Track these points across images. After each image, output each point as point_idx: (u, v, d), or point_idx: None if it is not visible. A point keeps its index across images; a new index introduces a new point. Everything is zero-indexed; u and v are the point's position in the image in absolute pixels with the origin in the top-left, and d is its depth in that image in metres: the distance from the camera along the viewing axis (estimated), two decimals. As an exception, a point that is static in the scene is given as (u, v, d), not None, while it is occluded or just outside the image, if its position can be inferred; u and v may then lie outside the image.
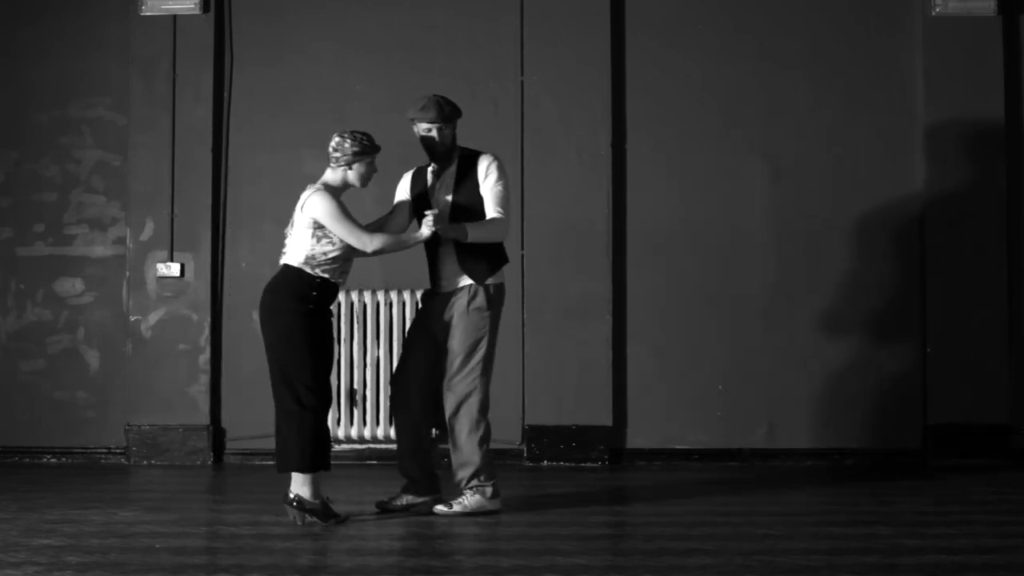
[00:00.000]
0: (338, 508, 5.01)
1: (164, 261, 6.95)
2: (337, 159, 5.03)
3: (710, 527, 4.82)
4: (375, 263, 6.93)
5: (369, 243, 4.94)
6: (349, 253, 5.00)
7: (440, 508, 5.10)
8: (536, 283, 6.85)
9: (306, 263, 4.93)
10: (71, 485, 6.06)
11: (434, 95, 5.18)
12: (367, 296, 6.78)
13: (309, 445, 4.91)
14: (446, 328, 5.14)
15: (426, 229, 5.00)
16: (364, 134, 5.07)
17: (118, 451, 7.03)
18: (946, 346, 6.79)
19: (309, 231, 4.93)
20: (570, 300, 6.83)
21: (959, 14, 6.85)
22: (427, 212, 5.01)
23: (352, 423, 6.74)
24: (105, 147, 7.12)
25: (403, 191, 5.35)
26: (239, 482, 6.33)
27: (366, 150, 5.03)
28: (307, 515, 4.88)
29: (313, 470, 4.93)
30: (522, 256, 6.86)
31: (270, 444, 6.86)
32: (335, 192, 5.00)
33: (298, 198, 5.12)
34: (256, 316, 6.87)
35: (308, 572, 4.04)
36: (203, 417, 6.90)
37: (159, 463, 6.87)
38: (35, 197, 7.13)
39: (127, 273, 7.01)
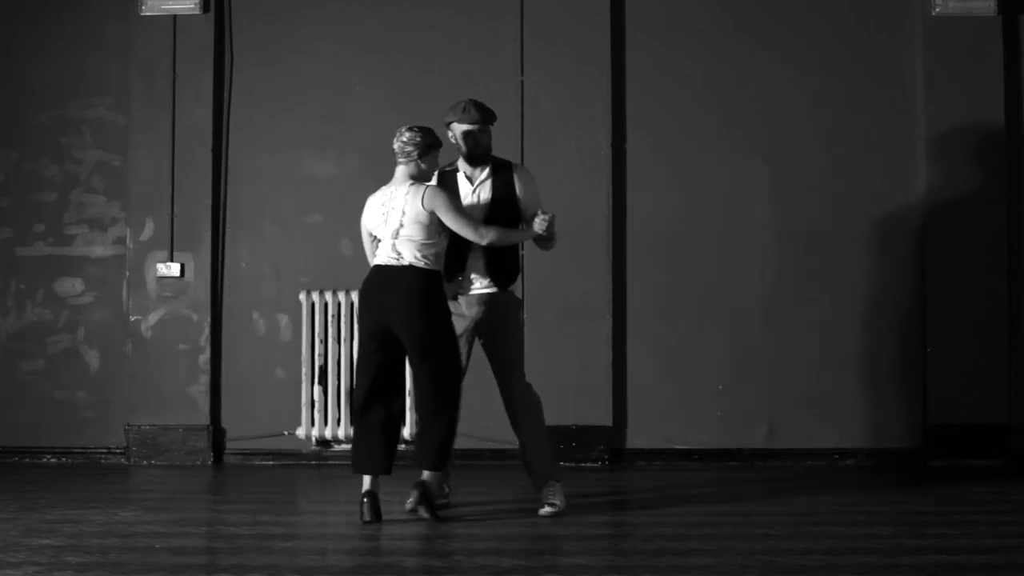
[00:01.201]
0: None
1: (164, 261, 6.95)
2: (409, 153, 5.06)
3: (710, 527, 4.82)
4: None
5: (485, 235, 4.98)
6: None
7: (548, 510, 5.13)
8: (536, 283, 6.84)
9: (435, 260, 5.00)
10: (71, 485, 6.06)
11: (469, 99, 5.29)
12: (367, 296, 6.78)
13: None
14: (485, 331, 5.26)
15: (539, 227, 5.08)
16: (422, 127, 5.14)
17: (118, 451, 7.03)
18: (946, 346, 6.79)
19: (430, 227, 4.96)
20: (570, 300, 6.83)
21: (959, 14, 6.85)
22: (544, 212, 5.12)
23: (352, 423, 6.73)
24: (105, 147, 7.12)
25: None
26: (239, 482, 6.33)
27: (436, 141, 5.11)
28: (427, 507, 4.94)
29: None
30: (522, 256, 6.84)
31: (270, 444, 6.94)
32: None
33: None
34: (255, 316, 6.97)
35: (308, 572, 4.04)
36: (203, 417, 6.91)
37: (159, 463, 6.87)
38: (35, 197, 7.13)
39: (127, 273, 7.01)
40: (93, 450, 7.06)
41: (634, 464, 6.83)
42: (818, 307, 6.88)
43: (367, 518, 4.89)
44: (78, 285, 7.11)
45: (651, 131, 6.98)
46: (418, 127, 5.11)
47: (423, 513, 4.94)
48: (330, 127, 7.03)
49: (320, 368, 6.75)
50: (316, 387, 6.74)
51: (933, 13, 6.86)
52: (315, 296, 6.80)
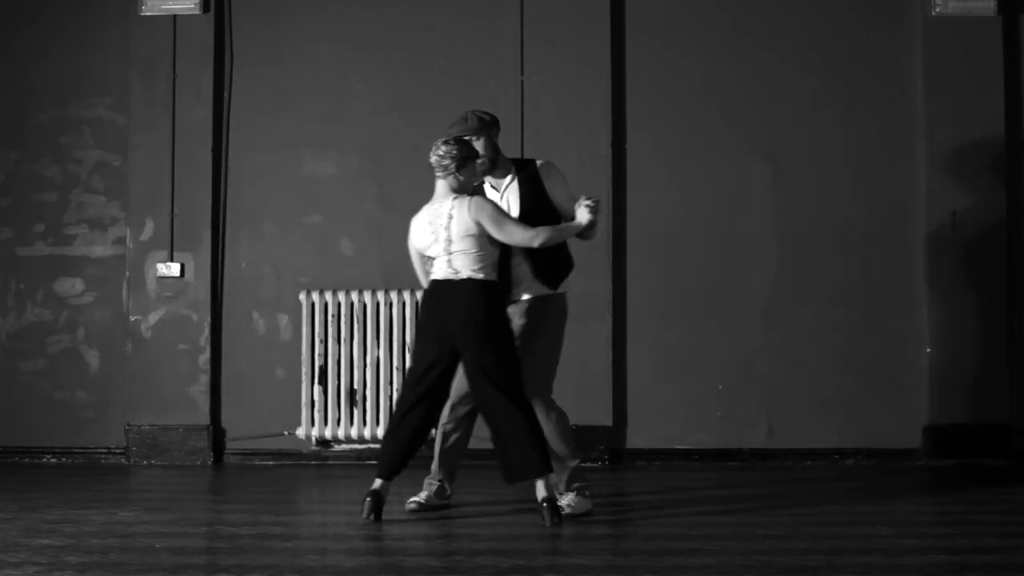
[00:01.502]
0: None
1: (164, 261, 6.95)
2: (446, 167, 4.98)
3: (710, 527, 4.82)
4: (374, 263, 6.94)
5: (535, 238, 4.93)
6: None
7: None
8: (536, 283, 6.84)
9: (492, 271, 4.97)
10: (71, 485, 6.06)
11: (470, 110, 5.22)
12: (367, 296, 6.78)
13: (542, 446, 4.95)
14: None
15: (587, 215, 5.02)
16: (461, 139, 5.06)
17: (118, 451, 7.03)
18: (946, 346, 6.79)
19: (480, 238, 4.93)
20: (570, 300, 6.81)
21: (959, 14, 6.85)
22: (589, 198, 5.04)
23: (352, 423, 6.74)
24: (105, 147, 7.12)
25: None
26: (239, 482, 6.33)
27: (473, 153, 5.04)
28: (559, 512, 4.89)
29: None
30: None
31: (270, 444, 6.93)
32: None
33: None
34: (255, 316, 6.97)
35: (308, 572, 4.04)
36: (203, 417, 6.90)
37: (159, 463, 6.87)
38: (35, 197, 7.13)
39: (127, 273, 7.01)
40: (93, 450, 7.06)
41: (634, 464, 6.83)
42: (818, 307, 6.88)
43: (365, 515, 4.90)
44: (78, 285, 7.11)
45: (651, 131, 6.98)
46: (453, 139, 5.03)
47: (552, 520, 4.83)
48: (330, 127, 7.03)
49: (320, 368, 6.75)
50: (316, 387, 6.74)
51: (933, 13, 6.86)
52: (315, 296, 6.80)
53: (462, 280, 4.92)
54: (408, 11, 7.06)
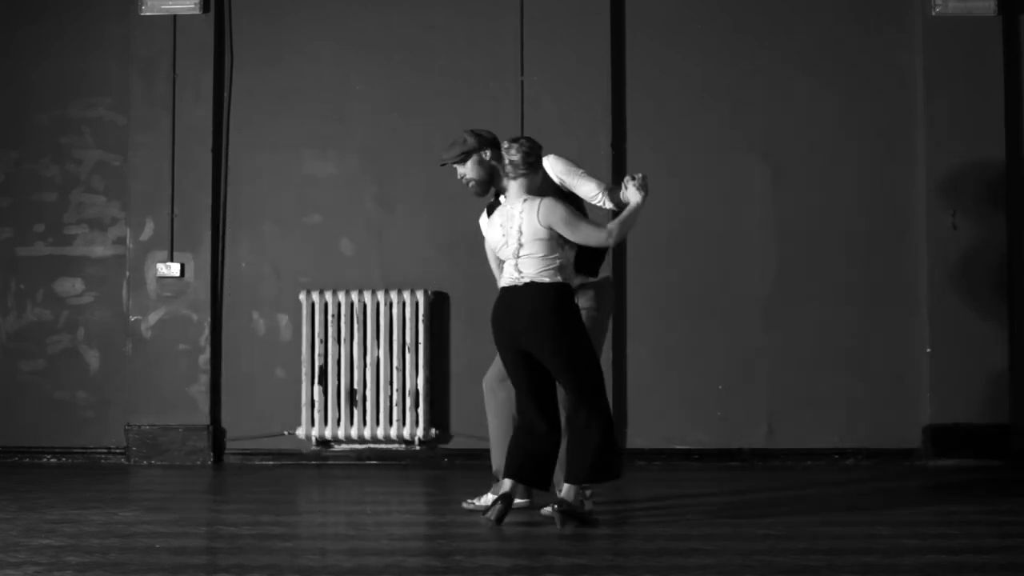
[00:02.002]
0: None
1: (164, 261, 6.95)
2: (517, 166, 4.88)
3: (710, 527, 4.81)
4: (374, 263, 6.94)
5: (608, 236, 4.84)
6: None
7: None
8: (536, 283, 6.84)
9: (560, 272, 4.82)
10: (71, 485, 6.06)
11: (468, 130, 5.14)
12: (367, 296, 6.78)
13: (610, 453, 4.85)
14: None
15: (637, 195, 4.97)
16: (531, 139, 4.98)
17: (118, 451, 7.03)
18: (946, 346, 6.79)
19: (550, 242, 4.81)
20: (570, 300, 6.82)
21: (959, 14, 6.85)
22: (633, 176, 5.00)
23: (352, 423, 6.74)
24: (105, 147, 7.12)
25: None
26: (239, 482, 6.33)
27: (540, 154, 4.96)
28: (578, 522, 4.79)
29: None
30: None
31: (270, 444, 6.93)
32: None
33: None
34: (255, 316, 6.97)
35: (308, 572, 4.03)
36: (203, 417, 6.90)
37: (159, 463, 6.87)
38: (35, 197, 7.13)
39: (127, 273, 7.01)
40: (93, 450, 7.06)
41: (634, 464, 6.83)
42: (818, 307, 6.88)
43: (493, 517, 4.77)
44: (78, 285, 7.11)
45: (651, 131, 6.98)
46: (525, 138, 4.95)
47: (568, 529, 4.72)
48: (330, 127, 7.03)
49: (320, 368, 6.75)
50: (316, 387, 6.74)
51: (933, 13, 6.86)
52: (315, 296, 6.80)
53: (526, 284, 4.80)
54: (408, 11, 7.06)
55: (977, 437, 6.76)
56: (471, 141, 5.09)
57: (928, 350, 6.81)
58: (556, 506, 4.75)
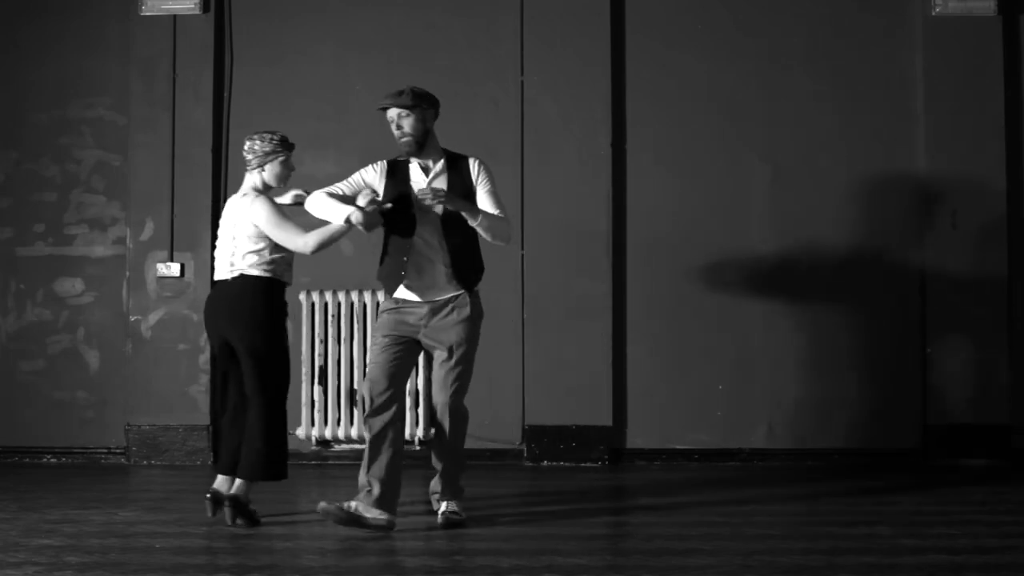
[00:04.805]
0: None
1: (164, 261, 6.95)
2: (249, 161, 5.04)
3: (710, 527, 4.82)
4: (374, 263, 6.92)
5: (305, 246, 4.84)
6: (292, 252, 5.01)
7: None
8: (536, 283, 6.85)
9: (268, 269, 4.93)
10: (71, 485, 6.06)
11: (411, 86, 5.03)
12: (367, 296, 6.78)
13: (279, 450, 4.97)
14: (437, 337, 4.93)
15: (358, 216, 4.76)
16: (273, 133, 5.08)
17: (118, 451, 7.03)
18: (946, 346, 6.79)
19: (256, 238, 4.92)
20: (570, 300, 6.83)
21: (959, 14, 6.85)
22: (423, 192, 4.78)
23: (352, 423, 6.74)
24: (105, 147, 7.13)
25: (373, 179, 5.04)
26: (239, 482, 6.31)
27: (276, 149, 5.02)
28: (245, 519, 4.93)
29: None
30: (522, 256, 6.86)
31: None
32: (267, 195, 5.01)
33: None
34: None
35: (308, 572, 4.04)
36: (203, 417, 6.90)
37: (159, 463, 6.87)
38: (35, 197, 7.14)
39: (127, 273, 7.01)
40: (93, 450, 7.07)
41: (634, 464, 6.83)
42: (818, 307, 6.88)
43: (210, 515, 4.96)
44: (78, 285, 7.11)
45: (651, 131, 6.98)
46: (260, 135, 5.05)
47: (240, 524, 4.88)
48: (330, 127, 7.03)
49: (320, 368, 6.75)
50: (316, 387, 6.74)
51: (933, 13, 6.86)
52: (315, 296, 6.80)
53: (236, 276, 4.95)
54: (408, 11, 7.06)
55: (977, 437, 6.76)
56: (421, 94, 4.96)
57: (928, 350, 6.81)
58: (228, 502, 4.89)
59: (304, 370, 6.77)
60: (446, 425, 4.94)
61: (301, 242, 4.83)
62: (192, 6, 6.97)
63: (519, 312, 6.83)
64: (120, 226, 7.09)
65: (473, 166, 5.01)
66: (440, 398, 4.93)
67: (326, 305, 6.77)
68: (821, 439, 6.84)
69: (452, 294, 4.94)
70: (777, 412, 6.86)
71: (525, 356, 6.84)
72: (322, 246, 4.83)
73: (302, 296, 6.82)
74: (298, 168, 6.98)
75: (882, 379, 6.84)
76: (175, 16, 7.00)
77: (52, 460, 7.04)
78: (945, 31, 6.86)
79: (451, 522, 4.90)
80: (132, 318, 6.96)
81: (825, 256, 6.90)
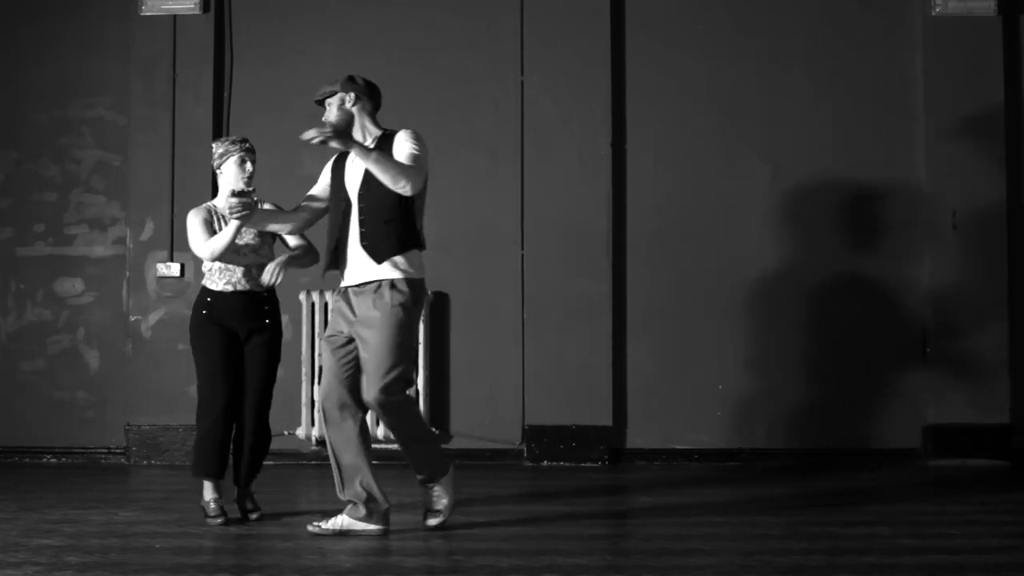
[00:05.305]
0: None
1: (164, 261, 6.95)
2: (214, 166, 5.12)
3: (710, 527, 4.82)
4: (375, 263, 6.93)
5: (202, 252, 4.95)
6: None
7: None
8: (536, 283, 6.85)
9: (204, 276, 5.12)
10: (71, 485, 6.06)
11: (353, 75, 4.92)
12: (367, 296, 6.78)
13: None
14: (362, 329, 4.64)
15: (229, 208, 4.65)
16: (232, 136, 5.16)
17: (118, 451, 7.03)
18: (946, 346, 6.79)
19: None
20: (570, 300, 6.83)
21: (959, 14, 6.85)
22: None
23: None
24: (105, 147, 7.13)
25: (326, 173, 4.99)
26: (239, 482, 6.31)
27: (228, 149, 5.06)
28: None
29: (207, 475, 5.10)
30: (522, 256, 6.86)
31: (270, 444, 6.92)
32: (204, 206, 5.08)
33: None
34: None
35: (308, 572, 4.04)
36: (203, 417, 6.89)
37: (159, 463, 6.87)
38: (35, 197, 7.14)
39: (127, 273, 7.01)
40: (93, 450, 7.07)
41: (634, 464, 6.83)
42: (818, 307, 6.88)
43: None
44: (78, 285, 7.11)
45: (651, 131, 6.98)
46: (217, 140, 5.14)
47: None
48: (330, 127, 7.02)
49: (320, 368, 6.75)
50: (316, 387, 6.74)
51: (933, 13, 6.86)
52: (315, 296, 6.80)
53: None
54: (408, 11, 7.06)
55: (977, 437, 6.76)
56: (341, 83, 4.85)
57: (928, 350, 6.81)
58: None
59: (304, 370, 6.77)
60: (384, 422, 4.70)
61: (205, 252, 4.93)
62: (192, 6, 6.97)
63: (519, 312, 6.83)
64: (120, 226, 7.09)
65: (399, 135, 4.77)
66: (367, 396, 4.59)
67: (326, 305, 6.77)
68: (821, 439, 6.84)
69: (376, 278, 4.62)
70: (777, 412, 6.86)
71: (525, 356, 6.84)
72: (217, 249, 4.88)
73: (302, 296, 6.82)
74: (298, 168, 7.00)
75: (882, 379, 6.84)
76: (175, 16, 7.00)
77: (52, 460, 7.04)
78: (945, 31, 6.86)
79: (436, 526, 4.75)
80: (132, 318, 6.96)
81: (825, 256, 6.90)
